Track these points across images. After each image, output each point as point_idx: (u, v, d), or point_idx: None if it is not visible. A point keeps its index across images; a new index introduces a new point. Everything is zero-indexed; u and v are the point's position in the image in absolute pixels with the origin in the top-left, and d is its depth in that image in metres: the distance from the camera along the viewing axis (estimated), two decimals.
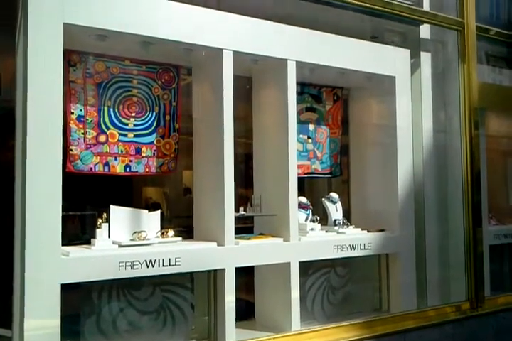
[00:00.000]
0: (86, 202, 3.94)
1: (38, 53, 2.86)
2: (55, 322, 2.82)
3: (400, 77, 4.41)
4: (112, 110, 3.53)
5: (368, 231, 4.31)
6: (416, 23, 4.57)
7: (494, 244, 5.07)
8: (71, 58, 3.36)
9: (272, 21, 3.73)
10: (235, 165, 3.54)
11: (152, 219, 3.51)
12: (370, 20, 4.36)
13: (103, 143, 3.48)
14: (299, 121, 4.32)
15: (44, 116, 2.86)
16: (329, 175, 4.74)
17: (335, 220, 4.27)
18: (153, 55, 3.59)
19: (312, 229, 4.07)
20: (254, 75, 4.21)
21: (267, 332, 3.63)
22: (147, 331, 3.46)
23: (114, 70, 3.55)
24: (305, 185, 4.77)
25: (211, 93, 3.67)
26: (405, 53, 4.50)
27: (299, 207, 3.98)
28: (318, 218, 4.17)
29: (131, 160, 3.60)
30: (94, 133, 3.45)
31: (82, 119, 3.40)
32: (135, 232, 3.33)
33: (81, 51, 3.41)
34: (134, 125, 3.63)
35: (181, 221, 4.30)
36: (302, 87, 4.46)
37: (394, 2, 4.23)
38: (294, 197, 3.83)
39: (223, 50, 3.50)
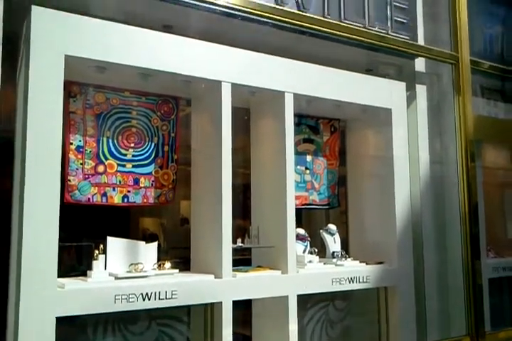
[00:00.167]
0: (82, 232, 3.90)
1: (38, 84, 2.89)
2: None
3: (396, 109, 4.46)
4: (111, 140, 3.54)
5: (367, 263, 4.27)
6: (411, 57, 4.65)
7: (493, 277, 5.03)
8: (71, 89, 3.39)
9: (270, 54, 3.79)
10: (233, 196, 3.53)
11: (149, 251, 3.47)
12: (366, 54, 4.43)
13: (101, 174, 3.48)
14: (297, 152, 4.34)
15: (43, 147, 2.86)
16: (327, 207, 4.73)
17: (333, 252, 4.24)
18: (152, 86, 3.63)
19: (310, 261, 4.03)
20: (252, 107, 4.26)
21: None
22: None
23: (113, 101, 3.58)
24: (303, 216, 4.75)
25: (210, 124, 3.69)
26: (401, 86, 4.56)
27: (296, 239, 3.95)
28: (316, 250, 4.13)
29: (129, 191, 3.59)
30: (93, 164, 3.45)
31: (81, 150, 3.41)
32: (132, 264, 3.29)
33: (81, 82, 3.44)
34: (133, 155, 3.63)
35: (178, 252, 4.25)
36: (300, 119, 4.50)
37: (389, 36, 4.32)
38: (291, 229, 3.81)
39: (222, 83, 3.54)
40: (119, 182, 3.55)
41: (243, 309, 3.86)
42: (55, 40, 2.96)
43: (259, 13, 3.66)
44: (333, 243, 4.34)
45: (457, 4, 4.73)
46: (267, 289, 3.64)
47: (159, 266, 3.42)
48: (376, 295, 4.45)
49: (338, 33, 4.01)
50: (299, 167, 4.47)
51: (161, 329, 3.47)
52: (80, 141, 3.41)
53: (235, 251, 3.60)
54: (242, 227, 4.23)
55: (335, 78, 4.13)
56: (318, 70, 4.04)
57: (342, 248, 4.35)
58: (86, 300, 2.94)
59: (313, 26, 3.90)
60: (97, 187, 3.46)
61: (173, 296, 3.21)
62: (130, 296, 3.06)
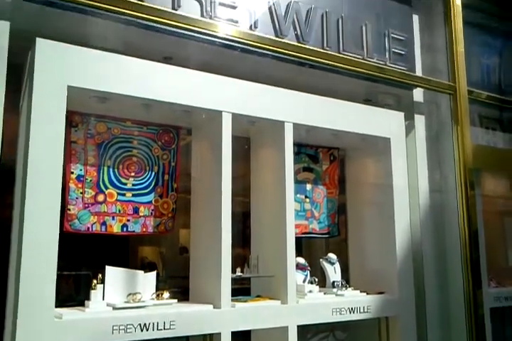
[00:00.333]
0: (80, 260, 3.89)
1: (41, 114, 2.93)
2: None
3: (394, 138, 4.50)
4: (111, 170, 3.57)
5: (367, 293, 4.23)
6: (409, 87, 4.71)
7: (495, 306, 4.97)
8: (73, 119, 3.43)
9: (270, 85, 3.85)
10: (233, 224, 3.52)
11: (148, 280, 3.45)
12: (364, 84, 4.49)
13: (101, 203, 3.49)
14: (297, 181, 4.35)
15: (44, 176, 2.88)
16: (327, 235, 4.72)
17: (333, 282, 4.20)
18: (153, 116, 3.68)
19: (310, 291, 3.99)
20: (252, 136, 4.29)
21: None
22: None
23: (115, 131, 3.61)
24: (303, 245, 4.74)
25: (210, 153, 3.72)
26: (399, 116, 4.60)
27: (296, 268, 3.92)
28: (316, 279, 4.10)
29: (128, 220, 3.59)
30: (93, 193, 3.47)
31: (81, 179, 3.43)
32: (130, 294, 3.26)
33: (83, 112, 3.49)
34: (133, 184, 3.65)
35: (177, 281, 4.22)
36: (299, 148, 4.53)
37: (387, 67, 4.39)
38: (291, 258, 3.79)
39: (222, 112, 3.58)
40: (119, 211, 3.55)
41: (242, 340, 3.81)
42: (58, 71, 3.01)
43: (259, 45, 3.73)
44: (334, 272, 4.31)
45: (454, 36, 4.81)
46: (267, 319, 3.60)
47: (158, 295, 3.40)
48: (377, 326, 4.40)
49: (337, 64, 4.08)
50: (298, 195, 4.47)
51: None
52: (81, 170, 3.43)
53: (234, 280, 3.57)
54: (241, 256, 4.22)
55: (334, 108, 4.18)
56: (318, 100, 4.10)
57: (342, 277, 4.32)
58: (84, 331, 2.91)
59: (313, 58, 3.96)
60: (96, 216, 3.46)
61: (172, 327, 3.18)
62: (128, 327, 3.03)
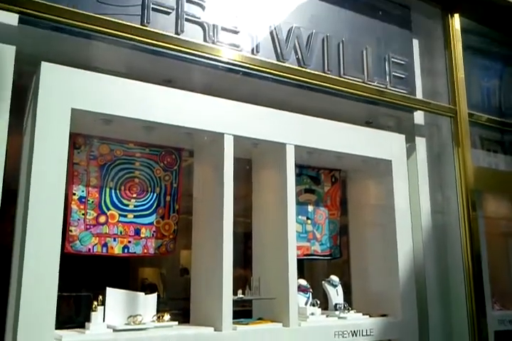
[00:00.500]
0: (81, 282, 3.89)
1: (44, 136, 2.96)
2: None
3: (396, 160, 4.51)
4: (113, 191, 3.59)
5: (370, 316, 4.20)
6: (410, 110, 4.75)
7: (499, 330, 4.91)
8: (76, 141, 3.47)
9: (271, 108, 3.89)
10: (234, 245, 3.52)
11: (148, 302, 3.44)
12: (365, 107, 4.53)
13: (103, 224, 3.50)
14: (298, 202, 4.36)
15: (46, 197, 2.90)
16: (329, 257, 4.70)
17: (336, 304, 4.18)
18: (156, 138, 3.72)
19: (312, 314, 3.96)
20: (253, 157, 4.32)
21: None
22: None
23: (117, 153, 3.65)
24: (304, 267, 4.72)
25: (212, 174, 3.74)
26: (400, 138, 4.63)
27: (298, 290, 3.91)
28: (318, 302, 4.07)
29: (129, 241, 3.60)
30: (95, 214, 3.48)
31: (83, 200, 3.45)
32: (130, 316, 3.25)
33: (86, 134, 3.53)
34: (135, 206, 3.67)
35: (178, 303, 4.21)
36: (301, 169, 4.55)
37: (387, 90, 4.43)
38: (293, 280, 3.78)
39: (224, 135, 3.62)
40: (120, 232, 3.56)
41: None
42: (62, 94, 3.06)
43: (261, 68, 3.78)
44: (336, 295, 4.29)
45: (454, 59, 4.86)
46: None
47: (158, 317, 3.38)
48: None
49: (337, 87, 4.12)
50: (300, 217, 4.48)
51: None
52: (83, 191, 3.46)
53: (235, 302, 3.54)
54: (243, 277, 4.20)
55: (335, 130, 4.21)
56: (319, 123, 4.13)
57: (345, 299, 4.29)
58: None
59: (314, 81, 4.01)
60: (97, 238, 3.47)
61: None
62: None
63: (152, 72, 3.61)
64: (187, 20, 3.59)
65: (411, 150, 4.73)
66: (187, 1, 3.60)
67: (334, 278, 4.35)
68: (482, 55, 5.51)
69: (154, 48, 3.40)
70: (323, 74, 4.10)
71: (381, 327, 4.12)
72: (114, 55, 3.44)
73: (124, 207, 3.61)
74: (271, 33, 3.95)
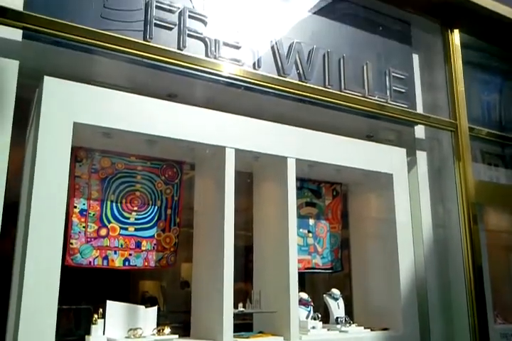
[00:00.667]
0: (81, 295, 3.89)
1: (46, 149, 2.99)
2: None
3: (397, 174, 4.53)
4: (114, 204, 3.61)
5: (371, 329, 4.18)
6: (410, 124, 4.77)
7: None
8: (78, 154, 3.50)
9: (273, 121, 3.93)
10: (235, 259, 3.53)
11: (149, 315, 3.43)
12: (366, 121, 4.55)
13: (104, 237, 3.52)
14: (299, 216, 4.37)
15: (47, 210, 2.92)
16: (330, 271, 4.70)
17: (337, 318, 4.16)
18: (157, 151, 3.75)
19: (313, 328, 3.95)
20: (255, 171, 4.34)
21: None
22: None
23: (119, 166, 3.68)
24: (306, 280, 4.71)
25: (213, 187, 3.76)
26: (401, 152, 4.65)
27: (299, 304, 3.90)
28: (319, 315, 4.06)
29: (130, 254, 3.61)
30: (96, 227, 3.50)
31: (84, 213, 3.47)
32: (131, 329, 3.25)
33: (88, 148, 3.56)
34: (136, 219, 3.69)
35: (178, 316, 4.20)
36: (302, 182, 4.57)
37: (388, 105, 4.46)
38: (294, 293, 3.77)
39: (226, 148, 3.65)
40: (121, 245, 3.58)
41: None
42: (64, 108, 3.10)
43: (262, 83, 3.81)
44: (337, 308, 4.27)
45: (454, 74, 4.90)
46: None
47: (159, 331, 3.38)
48: None
49: (338, 101, 4.15)
50: (301, 230, 4.48)
51: None
52: (84, 204, 3.48)
53: (236, 316, 3.54)
54: (243, 291, 4.20)
55: (336, 144, 4.24)
56: (320, 136, 4.16)
57: (346, 313, 4.27)
58: None
59: (315, 96, 4.04)
60: (98, 251, 3.48)
61: None
62: None
63: (155, 87, 3.65)
64: (189, 35, 3.64)
65: (412, 163, 4.75)
66: (189, 17, 3.65)
67: (335, 291, 4.34)
68: (482, 69, 5.55)
69: (157, 63, 3.44)
70: (324, 89, 4.13)
71: None
72: (117, 69, 3.48)
73: (125, 220, 3.63)
74: (272, 48, 4.00)
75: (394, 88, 4.60)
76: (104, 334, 3.17)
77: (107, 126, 3.25)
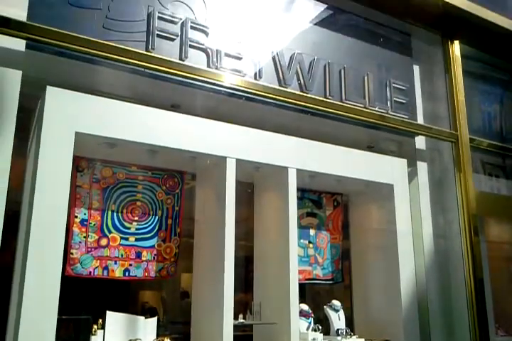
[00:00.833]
0: (81, 305, 3.86)
1: (48, 158, 3.00)
2: None
3: (398, 184, 4.53)
4: (115, 214, 3.61)
5: None
6: (411, 135, 4.78)
7: None
8: (79, 164, 3.50)
9: (274, 132, 3.93)
10: (235, 269, 3.51)
11: (148, 326, 3.42)
12: (367, 131, 4.56)
13: (104, 247, 3.51)
14: (300, 226, 4.37)
15: (48, 220, 2.92)
16: (331, 282, 4.68)
17: (337, 330, 4.14)
18: (159, 161, 3.75)
19: (314, 339, 3.92)
20: (255, 181, 4.34)
21: None
22: None
23: (120, 176, 3.68)
24: (306, 292, 4.69)
25: (214, 197, 3.76)
26: (402, 163, 4.66)
27: (300, 315, 3.88)
28: (320, 327, 4.04)
29: (130, 264, 3.60)
30: (96, 237, 3.49)
31: (85, 223, 3.46)
32: (130, 340, 3.23)
33: (89, 157, 3.57)
34: (136, 229, 3.68)
35: (178, 327, 4.17)
36: (302, 193, 4.57)
37: (389, 116, 4.47)
38: (295, 305, 3.76)
39: (227, 158, 3.65)
40: (121, 255, 3.57)
41: None
42: (66, 118, 3.11)
43: (263, 94, 3.82)
44: (338, 320, 4.25)
45: (454, 85, 4.92)
46: None
47: None
48: None
49: (339, 112, 4.16)
50: (302, 241, 4.47)
51: None
52: (85, 214, 3.48)
53: (236, 327, 3.52)
54: (243, 302, 4.18)
55: (337, 155, 4.24)
56: (321, 147, 4.17)
57: (347, 324, 4.25)
58: None
59: (316, 106, 4.05)
60: (98, 261, 3.47)
61: None
62: None
63: (157, 97, 3.66)
64: (191, 46, 3.65)
65: (413, 174, 4.75)
66: (191, 28, 3.68)
67: (336, 302, 4.32)
68: (482, 80, 5.57)
69: (159, 74, 3.45)
70: (325, 100, 4.14)
71: None
72: (119, 80, 3.49)
73: (126, 230, 3.62)
74: (273, 58, 4.02)
75: (394, 99, 4.62)
76: None
77: (109, 136, 3.26)
